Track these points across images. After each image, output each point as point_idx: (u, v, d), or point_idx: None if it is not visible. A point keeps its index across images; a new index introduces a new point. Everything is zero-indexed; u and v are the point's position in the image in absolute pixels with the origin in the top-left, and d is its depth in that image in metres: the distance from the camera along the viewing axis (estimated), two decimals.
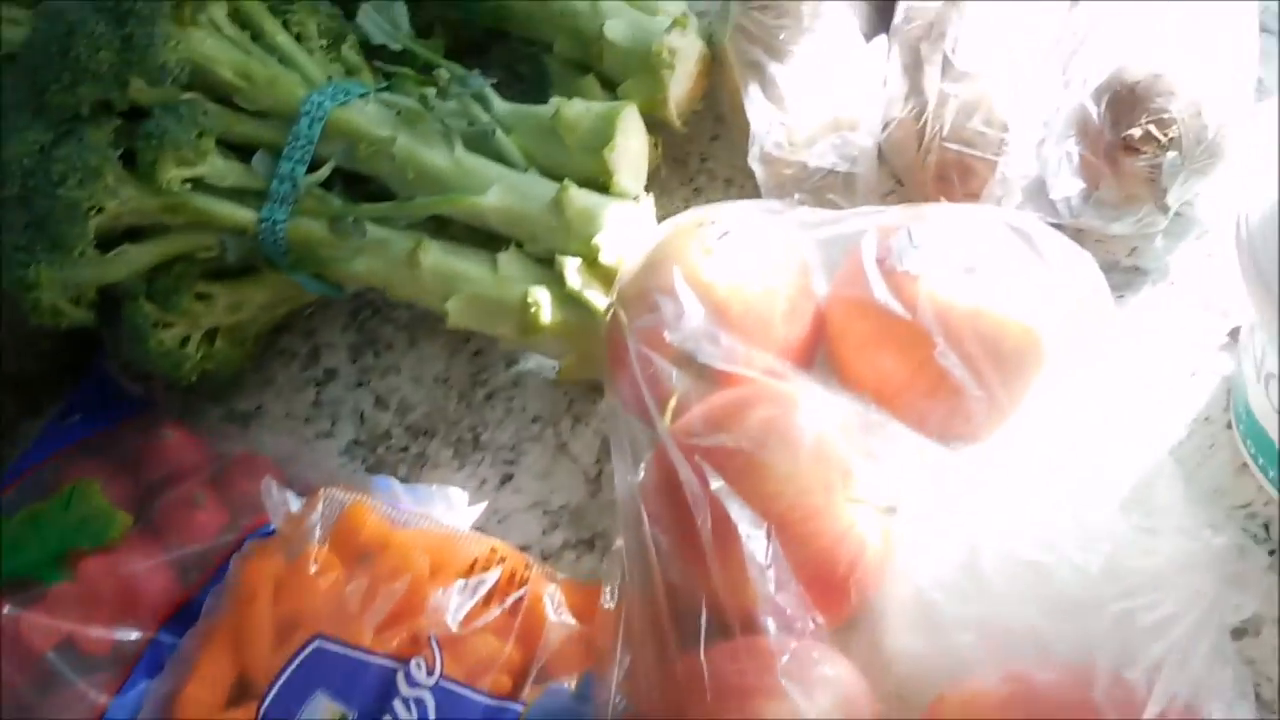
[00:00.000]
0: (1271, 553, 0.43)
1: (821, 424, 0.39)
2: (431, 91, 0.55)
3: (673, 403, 0.44)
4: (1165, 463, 0.38)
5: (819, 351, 0.46)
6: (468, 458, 0.54)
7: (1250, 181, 0.39)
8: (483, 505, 0.51)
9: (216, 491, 0.47)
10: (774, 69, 0.53)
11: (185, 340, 0.54)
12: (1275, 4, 0.52)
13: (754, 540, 0.38)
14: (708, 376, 0.44)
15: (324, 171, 0.54)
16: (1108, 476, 0.39)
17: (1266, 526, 0.44)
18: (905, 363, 0.42)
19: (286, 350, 0.61)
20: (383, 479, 0.47)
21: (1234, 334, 0.49)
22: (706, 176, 0.61)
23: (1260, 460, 0.44)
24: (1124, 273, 0.53)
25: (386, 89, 0.56)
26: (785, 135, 0.52)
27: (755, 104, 0.53)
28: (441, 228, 0.54)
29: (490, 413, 0.56)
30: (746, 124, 0.54)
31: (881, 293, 0.43)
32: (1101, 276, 0.45)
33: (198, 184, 0.52)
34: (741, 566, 0.38)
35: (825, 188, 0.50)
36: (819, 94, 0.52)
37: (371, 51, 0.59)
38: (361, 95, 0.54)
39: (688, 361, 0.45)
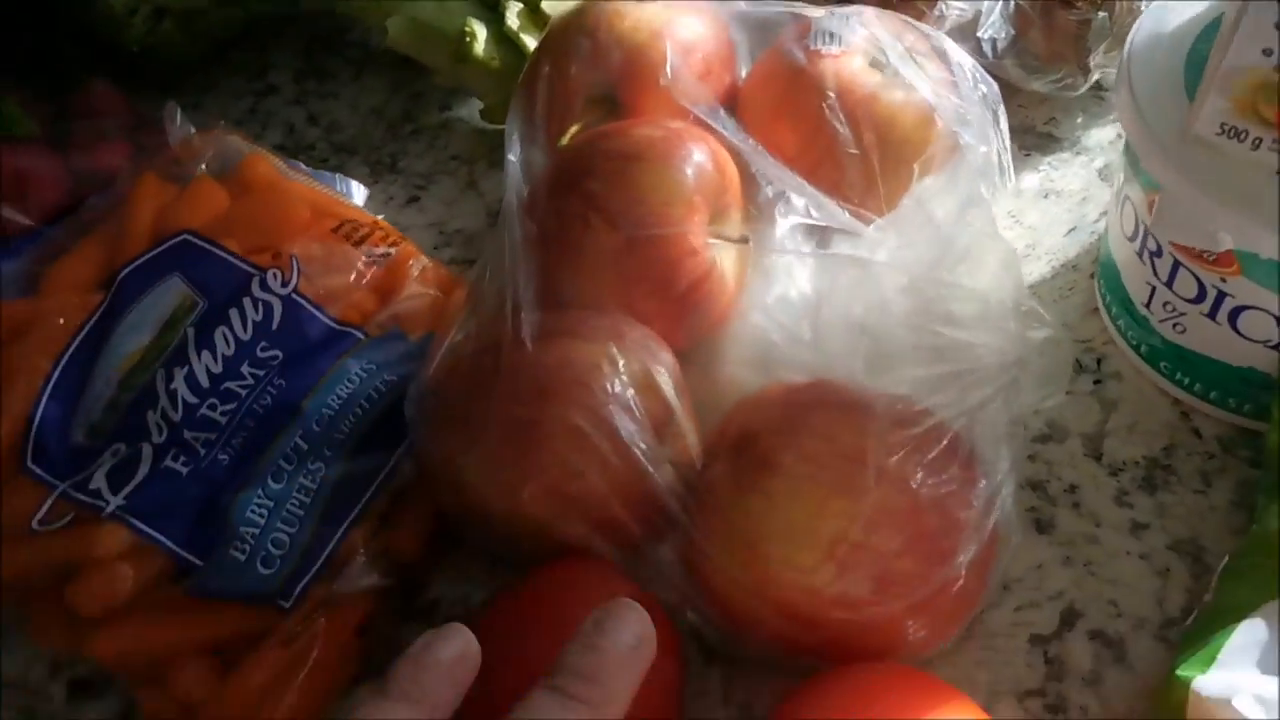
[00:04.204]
0: (1096, 382, 0.46)
1: (704, 156, 0.41)
2: None
3: (574, 129, 0.46)
4: (1007, 251, 0.40)
5: None
6: (382, 177, 0.56)
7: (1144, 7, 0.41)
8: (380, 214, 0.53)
9: (129, 135, 0.48)
10: None
11: (134, 10, 0.55)
12: None
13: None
14: (615, 114, 0.46)
15: None
16: (951, 259, 0.41)
17: (1099, 361, 0.46)
18: (801, 126, 0.44)
19: (235, 63, 0.62)
20: (290, 160, 0.48)
21: None
22: None
23: (1109, 300, 0.46)
24: (1038, 136, 0.55)
25: None
26: None
27: None
28: None
29: (414, 145, 0.57)
30: None
31: (791, 52, 0.45)
32: (1000, 100, 0.46)
33: None
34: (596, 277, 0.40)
35: None
36: None
37: None
38: None
39: (598, 101, 0.47)
